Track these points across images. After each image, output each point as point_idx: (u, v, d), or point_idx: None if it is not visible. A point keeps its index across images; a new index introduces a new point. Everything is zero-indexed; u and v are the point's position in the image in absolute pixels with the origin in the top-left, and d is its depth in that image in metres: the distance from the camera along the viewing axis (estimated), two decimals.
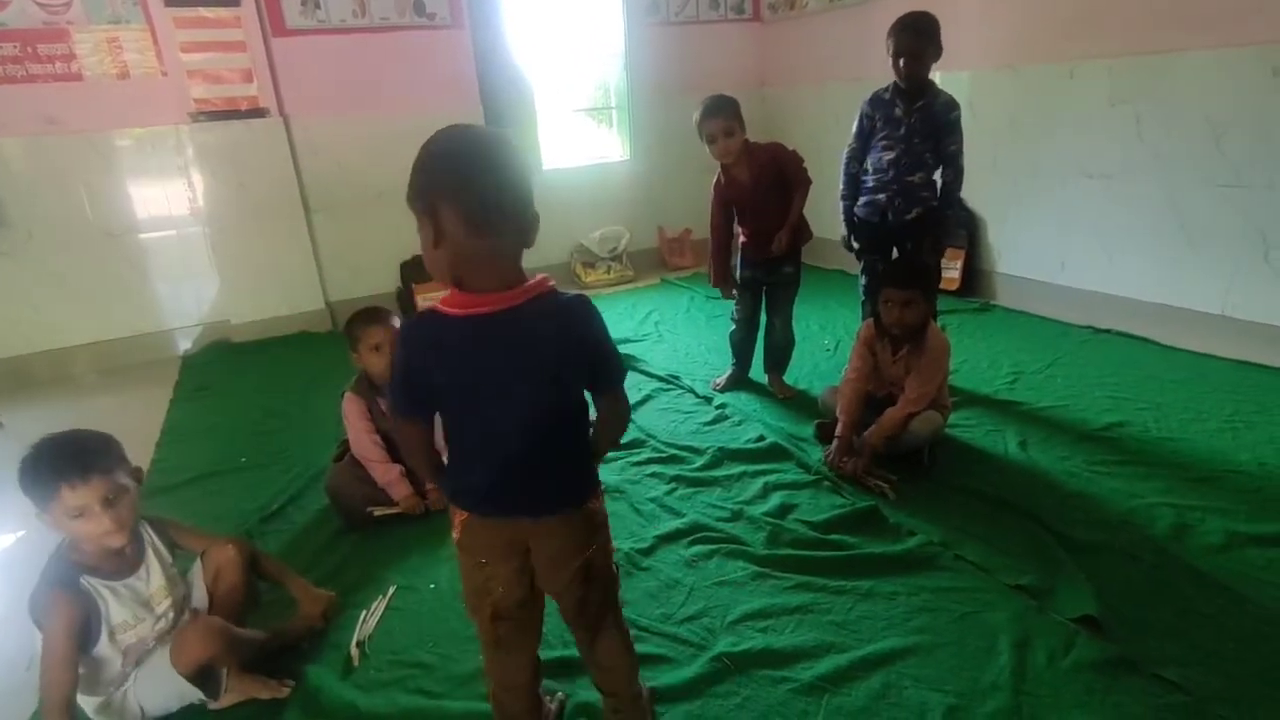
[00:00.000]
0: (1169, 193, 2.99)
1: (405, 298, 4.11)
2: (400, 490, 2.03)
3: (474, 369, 1.01)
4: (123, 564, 1.38)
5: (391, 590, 1.77)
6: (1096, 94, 3.14)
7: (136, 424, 2.82)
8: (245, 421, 2.84)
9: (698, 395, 2.80)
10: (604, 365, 1.07)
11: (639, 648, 1.52)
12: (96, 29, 3.37)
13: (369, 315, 2.05)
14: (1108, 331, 3.16)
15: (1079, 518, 1.90)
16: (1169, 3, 2.84)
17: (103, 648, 1.32)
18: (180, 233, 3.68)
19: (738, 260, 2.72)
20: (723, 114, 2.44)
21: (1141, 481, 2.05)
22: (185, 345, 3.78)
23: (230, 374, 3.41)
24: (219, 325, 3.84)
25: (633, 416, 2.60)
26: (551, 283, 1.01)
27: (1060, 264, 3.42)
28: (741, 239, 2.68)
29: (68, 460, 1.27)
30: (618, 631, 1.25)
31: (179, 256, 3.69)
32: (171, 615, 1.43)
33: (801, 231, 2.60)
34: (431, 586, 1.79)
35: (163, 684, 1.39)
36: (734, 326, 2.83)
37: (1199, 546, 1.77)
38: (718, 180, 2.60)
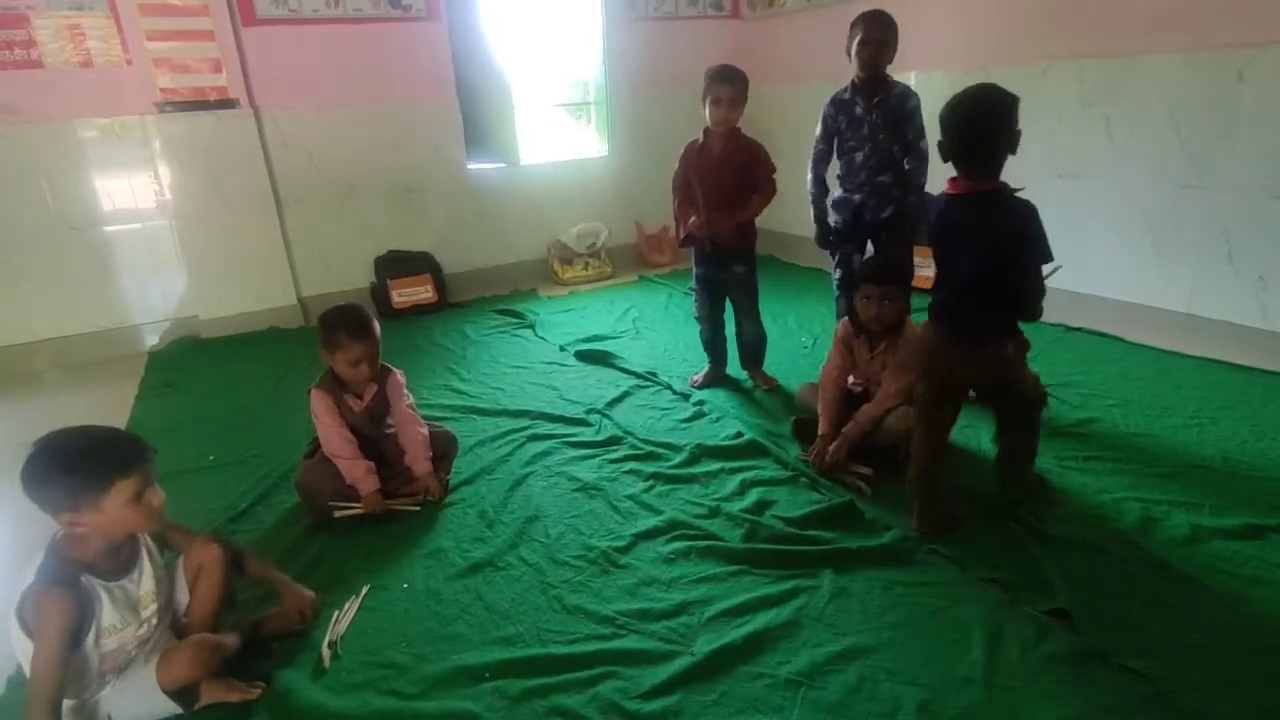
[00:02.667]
0: (1136, 193, 3.05)
1: (380, 293, 4.05)
2: (367, 485, 1.99)
3: (950, 229, 1.71)
4: (119, 564, 1.35)
5: (364, 590, 1.74)
6: (1067, 95, 3.19)
7: (100, 421, 2.71)
8: (213, 419, 2.78)
9: (675, 392, 2.80)
10: (1027, 256, 1.61)
11: (617, 644, 1.53)
12: (57, 15, 3.26)
13: (352, 327, 1.97)
14: (1078, 329, 3.21)
15: (1050, 512, 1.92)
16: (1137, 6, 2.90)
17: (86, 649, 1.28)
18: (146, 226, 3.59)
19: (692, 256, 2.76)
20: (736, 82, 2.46)
21: (1110, 476, 2.09)
22: (152, 341, 3.69)
23: (198, 371, 3.34)
24: (187, 321, 3.75)
25: (609, 413, 2.61)
26: (1002, 184, 1.65)
27: None
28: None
29: (125, 448, 1.29)
30: (1029, 436, 1.93)
31: (145, 250, 3.60)
32: (154, 621, 1.40)
33: (750, 234, 2.67)
34: (404, 586, 1.76)
35: (140, 700, 1.36)
36: (700, 326, 2.85)
37: (1166, 540, 1.80)
38: (690, 146, 2.61)
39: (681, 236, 2.68)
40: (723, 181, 2.54)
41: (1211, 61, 2.73)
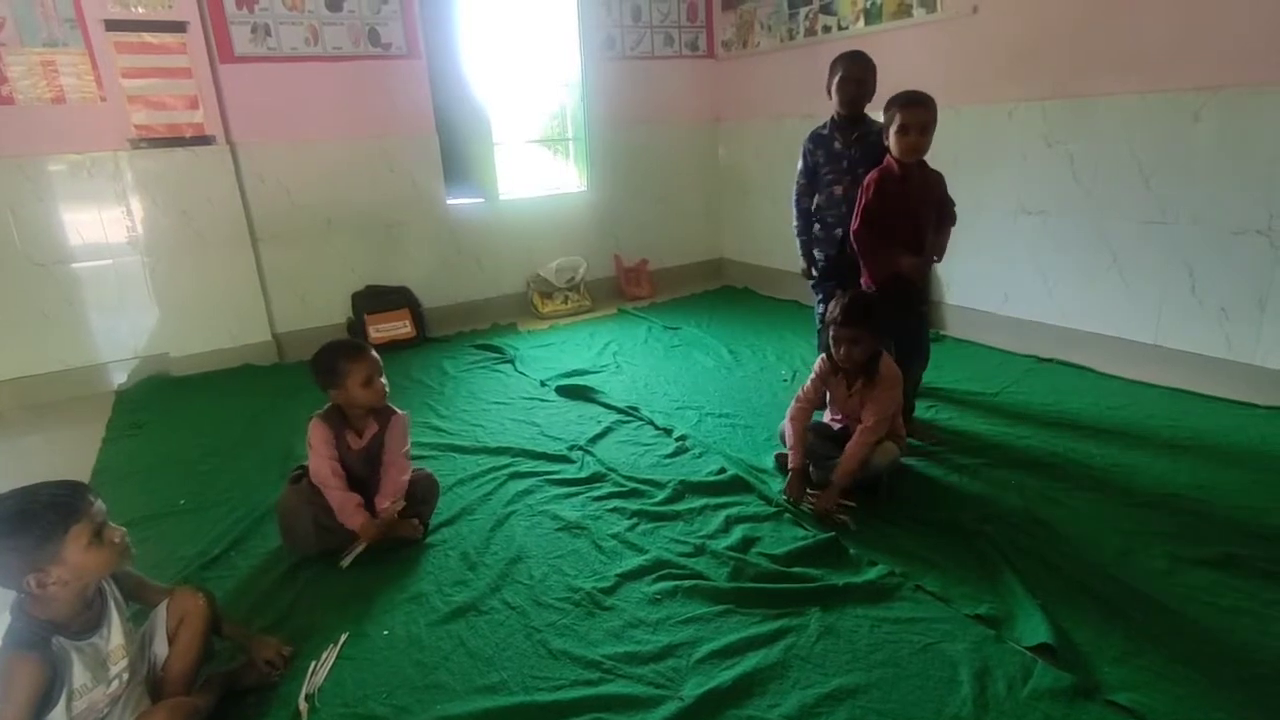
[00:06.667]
0: (1101, 228, 3.14)
1: (356, 328, 4.01)
2: (356, 519, 1.95)
3: None
4: (89, 620, 1.30)
5: (343, 638, 1.69)
6: (1033, 134, 3.30)
7: (65, 464, 2.66)
8: (184, 461, 2.71)
9: (657, 427, 2.79)
10: None
11: (605, 689, 1.50)
12: (30, 51, 3.24)
13: (350, 350, 1.98)
14: (1050, 361, 3.28)
15: (1030, 545, 1.94)
16: (1097, 50, 3.02)
17: (57, 714, 1.22)
18: (117, 262, 3.52)
19: None
20: (928, 108, 2.26)
21: (1087, 507, 2.11)
22: (120, 380, 3.60)
23: (169, 410, 3.26)
24: (157, 358, 3.67)
25: (591, 450, 2.60)
26: None
27: (1004, 296, 3.55)
28: (865, 281, 2.47)
29: (64, 497, 1.25)
30: None
31: (115, 287, 3.53)
32: (125, 677, 1.34)
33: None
34: (385, 633, 1.71)
35: None
36: None
37: (1144, 571, 1.82)
38: (887, 177, 2.35)
39: (882, 277, 2.41)
40: (929, 214, 2.39)
41: (1168, 103, 2.84)
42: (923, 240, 2.38)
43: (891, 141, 2.31)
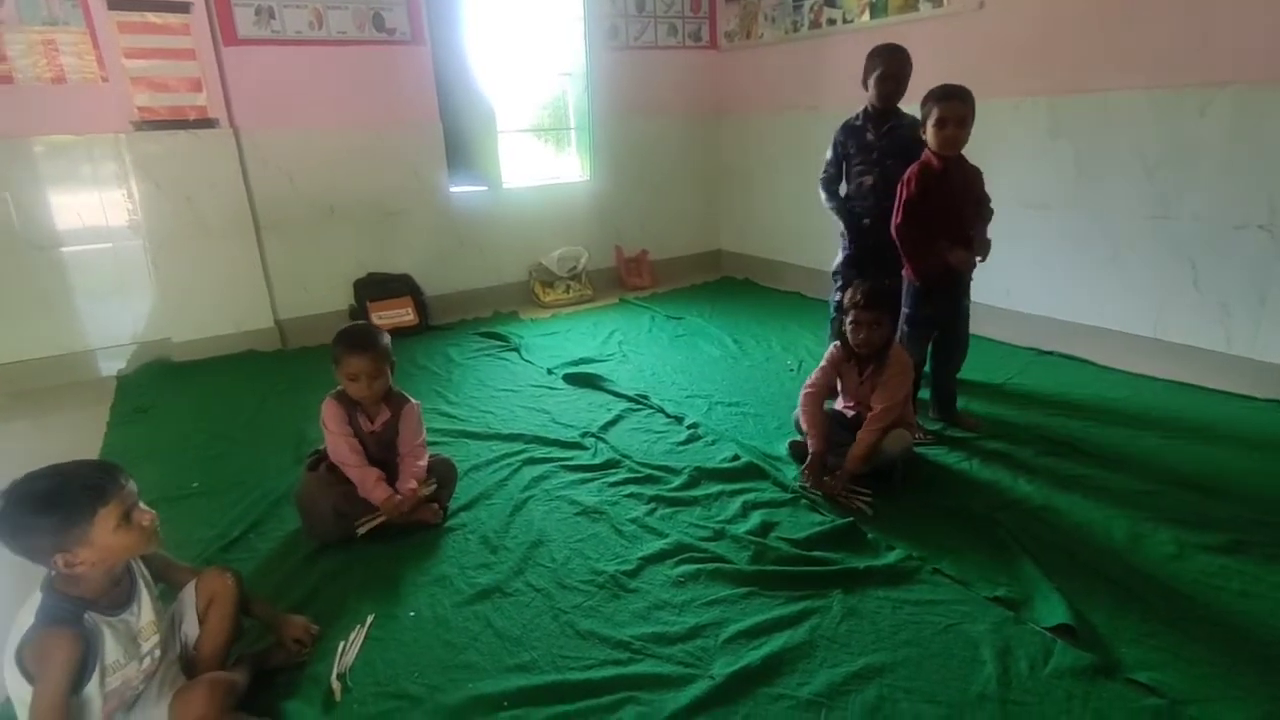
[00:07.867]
0: (1104, 222, 3.19)
1: (358, 316, 3.99)
2: (379, 493, 1.95)
3: None
4: (118, 597, 1.30)
5: (370, 619, 1.69)
6: (1038, 128, 3.33)
7: (71, 448, 2.62)
8: (193, 445, 2.69)
9: (668, 415, 2.80)
10: None
11: (635, 668, 1.52)
12: (30, 30, 3.18)
13: (352, 341, 1.97)
14: (1051, 353, 3.32)
15: (1042, 531, 1.98)
16: (1104, 46, 3.06)
17: (91, 689, 1.22)
18: (117, 246, 3.48)
19: (910, 298, 2.50)
20: (965, 102, 2.26)
21: (1095, 494, 2.15)
22: (120, 365, 3.56)
23: (172, 395, 3.23)
24: (158, 343, 3.63)
25: (604, 437, 2.61)
26: None
27: (1006, 290, 3.59)
28: (909, 276, 2.48)
29: (97, 476, 1.24)
30: None
31: (115, 271, 3.49)
32: (157, 654, 1.34)
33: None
34: (411, 614, 1.72)
35: None
36: None
37: (1155, 556, 1.87)
38: (926, 172, 2.34)
39: (928, 270, 2.41)
40: (970, 208, 2.40)
41: (1175, 99, 2.89)
42: (965, 234, 2.38)
43: (929, 135, 2.31)
